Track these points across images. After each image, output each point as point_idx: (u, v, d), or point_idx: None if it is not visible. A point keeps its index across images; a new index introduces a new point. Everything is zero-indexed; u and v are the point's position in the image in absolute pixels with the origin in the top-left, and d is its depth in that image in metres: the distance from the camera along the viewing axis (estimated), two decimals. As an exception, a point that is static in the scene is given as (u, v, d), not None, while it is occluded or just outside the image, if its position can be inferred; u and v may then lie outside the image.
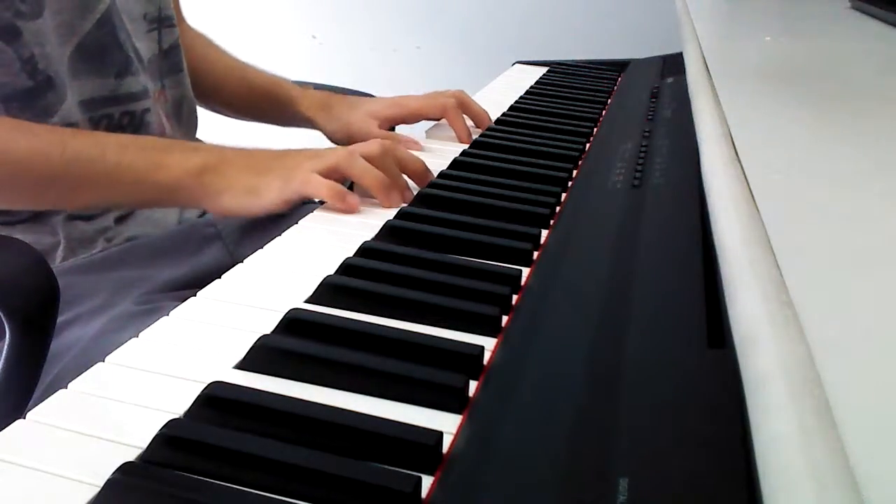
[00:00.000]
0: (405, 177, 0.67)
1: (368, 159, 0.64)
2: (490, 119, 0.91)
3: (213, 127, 0.98)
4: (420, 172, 0.69)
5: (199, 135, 0.91)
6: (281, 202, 0.63)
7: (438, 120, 0.91)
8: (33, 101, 0.68)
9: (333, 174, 0.64)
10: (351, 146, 0.66)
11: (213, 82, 0.95)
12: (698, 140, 0.58)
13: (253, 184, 0.63)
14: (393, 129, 0.99)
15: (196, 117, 0.90)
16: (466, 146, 0.81)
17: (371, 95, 1.04)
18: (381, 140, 0.67)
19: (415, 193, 0.66)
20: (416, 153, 0.71)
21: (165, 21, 0.82)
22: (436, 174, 0.70)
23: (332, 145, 0.89)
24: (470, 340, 0.42)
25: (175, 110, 0.85)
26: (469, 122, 0.90)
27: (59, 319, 0.54)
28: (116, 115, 0.75)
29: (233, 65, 0.98)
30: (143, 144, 0.67)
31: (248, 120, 1.00)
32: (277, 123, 1.00)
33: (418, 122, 0.91)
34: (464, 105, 0.89)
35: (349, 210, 0.62)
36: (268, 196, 0.63)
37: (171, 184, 0.64)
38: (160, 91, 0.82)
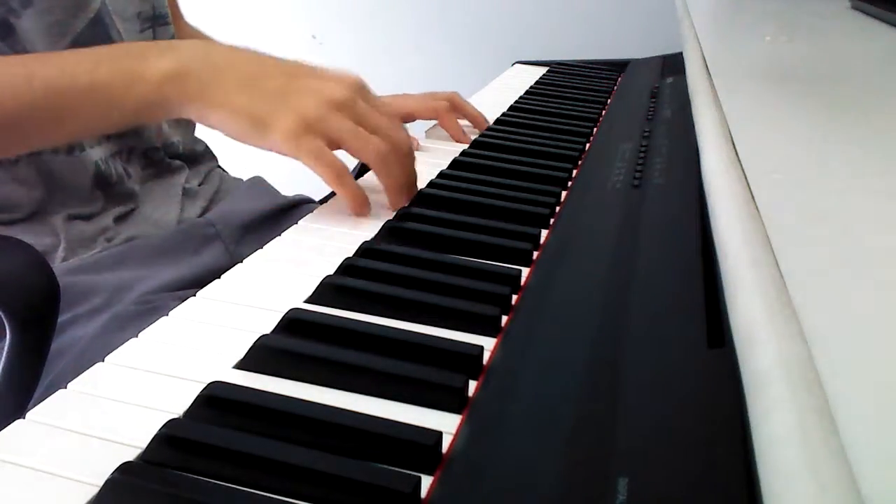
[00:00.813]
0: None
1: (398, 154, 0.60)
2: (486, 120, 0.90)
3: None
4: (410, 188, 0.63)
5: (197, 134, 0.91)
6: (288, 156, 0.56)
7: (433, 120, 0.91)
8: None
9: (358, 158, 0.59)
10: (387, 133, 0.59)
11: None
12: (698, 140, 0.58)
13: (260, 111, 0.56)
14: None
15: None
16: (466, 146, 0.81)
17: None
18: (408, 138, 0.63)
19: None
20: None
21: (160, 19, 0.82)
22: (436, 174, 0.70)
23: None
24: (470, 340, 0.42)
25: None
26: (465, 123, 0.89)
27: (60, 319, 0.54)
28: None
29: None
30: (115, 54, 0.60)
31: None
32: None
33: (410, 122, 0.89)
34: (457, 107, 0.88)
35: (361, 216, 0.60)
36: (284, 145, 0.56)
37: (149, 95, 0.57)
38: None
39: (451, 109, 0.87)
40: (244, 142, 0.59)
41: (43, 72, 0.59)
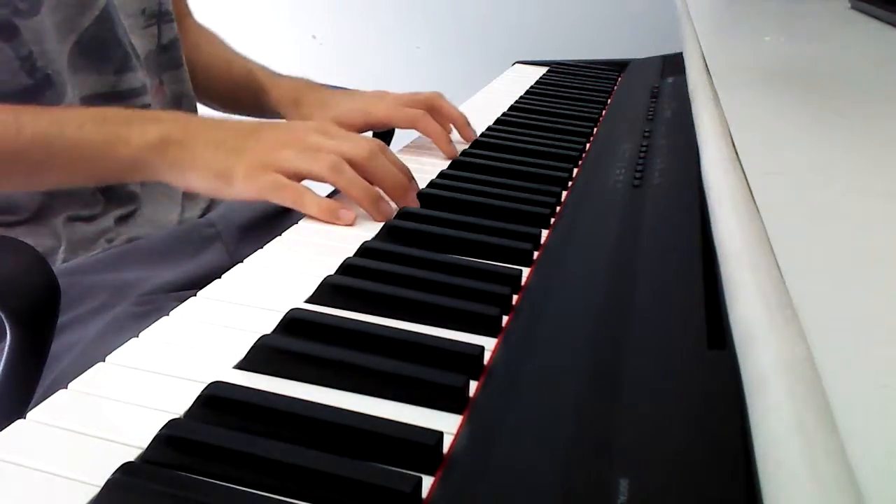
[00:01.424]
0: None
1: (355, 164, 0.60)
2: (468, 123, 0.84)
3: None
4: (400, 189, 0.62)
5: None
6: (253, 197, 0.59)
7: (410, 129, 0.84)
8: (32, 99, 0.68)
9: (314, 179, 0.60)
10: (335, 148, 0.61)
11: (202, 74, 0.93)
12: (698, 140, 0.58)
13: (223, 166, 0.59)
14: (390, 133, 0.96)
15: (196, 112, 0.90)
16: (445, 165, 0.76)
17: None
18: (370, 141, 0.63)
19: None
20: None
21: (165, 16, 0.82)
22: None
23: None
24: (470, 340, 0.42)
25: (174, 106, 0.85)
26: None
27: (60, 320, 0.54)
28: None
29: (221, 55, 0.95)
30: (102, 117, 0.64)
31: (235, 114, 0.96)
32: (257, 117, 0.95)
33: (387, 129, 0.85)
34: (436, 110, 0.81)
35: (346, 224, 0.59)
36: (247, 190, 0.59)
37: (132, 158, 0.61)
38: (158, 86, 0.82)
39: (426, 115, 0.80)
40: (218, 197, 0.62)
41: (33, 123, 0.62)
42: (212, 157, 0.60)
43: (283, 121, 0.65)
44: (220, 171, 0.60)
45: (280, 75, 0.92)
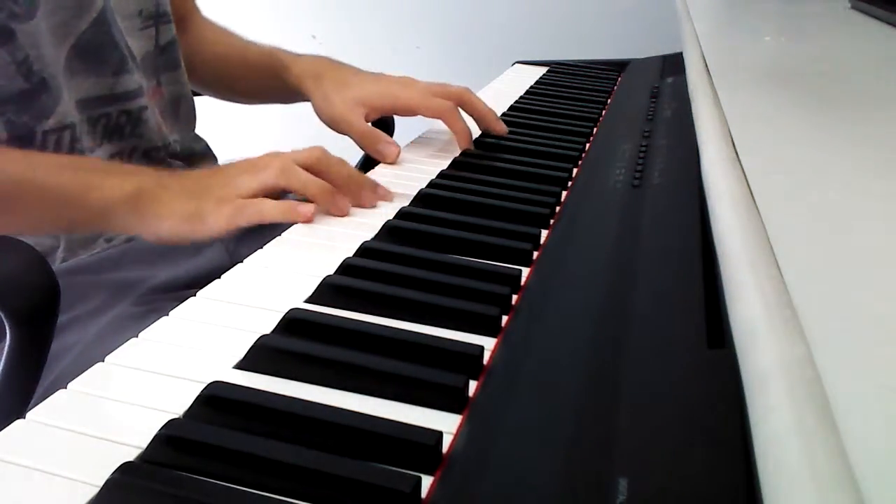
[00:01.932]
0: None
1: (306, 167, 0.61)
2: (497, 118, 0.83)
3: (212, 123, 0.98)
4: (354, 183, 0.63)
5: (197, 132, 0.91)
6: (228, 230, 0.60)
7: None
8: (29, 103, 0.68)
9: (273, 191, 0.61)
10: (283, 154, 0.62)
11: (223, 68, 0.93)
12: (698, 140, 0.58)
13: (193, 209, 0.60)
14: (391, 119, 0.96)
15: (194, 114, 0.90)
16: (445, 166, 0.75)
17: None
18: (313, 147, 0.63)
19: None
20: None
21: (163, 17, 0.82)
22: (414, 191, 0.66)
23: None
24: (470, 340, 0.42)
25: (172, 107, 0.84)
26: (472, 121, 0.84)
27: (60, 320, 0.54)
28: (114, 114, 0.75)
29: (235, 43, 0.94)
30: (78, 166, 0.64)
31: (256, 102, 0.95)
32: (278, 100, 0.94)
33: (412, 116, 0.82)
34: (466, 104, 0.81)
35: (305, 220, 0.60)
36: (217, 224, 0.59)
37: (103, 207, 0.60)
38: (155, 88, 0.82)
39: (456, 109, 0.79)
40: (193, 240, 0.61)
41: (7, 164, 0.62)
42: (180, 205, 0.60)
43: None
44: (190, 214, 0.60)
45: (298, 55, 0.91)
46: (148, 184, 0.61)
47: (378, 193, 0.65)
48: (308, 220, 0.60)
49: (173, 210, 0.60)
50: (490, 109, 0.83)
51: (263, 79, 0.91)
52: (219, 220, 0.59)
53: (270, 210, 0.59)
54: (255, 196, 0.60)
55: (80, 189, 0.61)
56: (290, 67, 0.88)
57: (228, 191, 0.61)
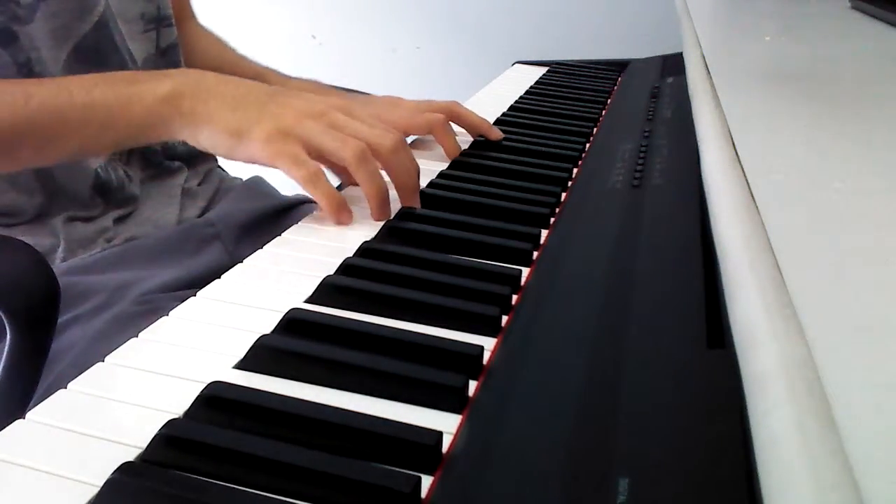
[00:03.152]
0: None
1: (378, 154, 0.59)
2: (491, 127, 0.83)
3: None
4: (411, 188, 0.62)
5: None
6: (266, 163, 0.57)
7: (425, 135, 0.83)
8: None
9: (335, 161, 0.59)
10: (363, 133, 0.59)
11: None
12: (698, 140, 0.58)
13: (240, 124, 0.57)
14: None
15: None
16: (445, 166, 0.75)
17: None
18: (395, 132, 0.61)
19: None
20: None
21: (164, 20, 0.82)
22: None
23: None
24: (470, 340, 0.42)
25: None
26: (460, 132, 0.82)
27: (60, 319, 0.54)
28: None
29: (228, 58, 0.94)
30: (112, 79, 0.62)
31: None
32: None
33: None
34: (457, 118, 0.80)
35: (340, 223, 0.58)
36: (261, 152, 0.57)
37: (144, 116, 0.59)
38: None
39: (446, 122, 0.78)
40: (230, 156, 0.60)
41: (40, 92, 0.60)
42: (228, 114, 0.58)
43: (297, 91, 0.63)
44: (237, 129, 0.58)
45: (290, 77, 0.91)
46: (188, 84, 0.60)
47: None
48: (343, 225, 0.58)
49: (219, 117, 0.58)
50: (482, 120, 0.82)
51: None
52: (266, 151, 0.57)
53: (321, 190, 0.57)
54: (307, 148, 0.58)
55: (118, 102, 0.60)
56: None
57: (291, 128, 0.58)
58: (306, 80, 0.91)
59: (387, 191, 0.60)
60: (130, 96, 0.60)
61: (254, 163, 0.59)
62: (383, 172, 0.61)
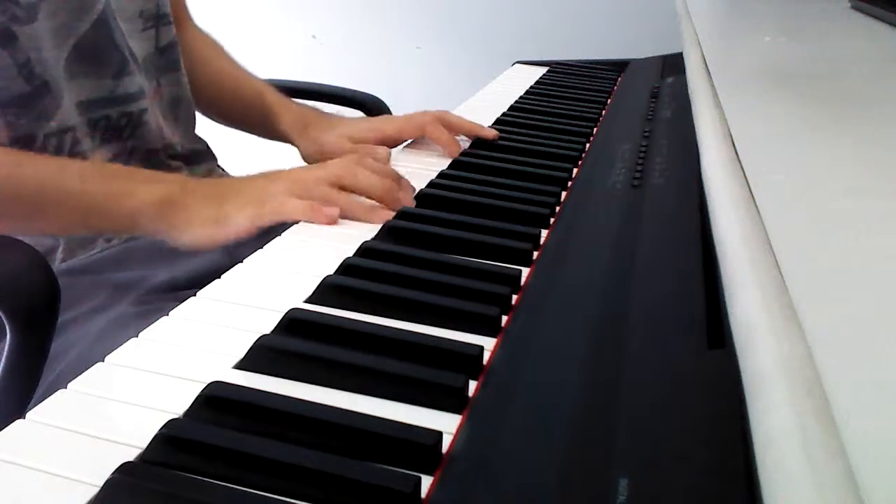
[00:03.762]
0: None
1: (343, 186, 0.62)
2: (481, 127, 0.84)
3: (212, 124, 0.98)
4: (388, 193, 0.64)
5: (197, 132, 0.90)
6: (252, 228, 0.60)
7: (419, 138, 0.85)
8: (30, 105, 0.68)
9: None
10: (321, 174, 0.63)
11: (210, 90, 0.93)
12: (698, 140, 0.58)
13: (218, 213, 0.61)
14: None
15: (194, 115, 0.90)
16: (445, 165, 0.76)
17: (371, 96, 1.03)
18: (351, 156, 0.65)
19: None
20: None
21: (163, 18, 0.82)
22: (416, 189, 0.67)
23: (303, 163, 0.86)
24: (470, 340, 0.42)
25: (171, 108, 0.84)
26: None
27: (60, 319, 0.54)
28: (115, 116, 0.75)
29: (230, 72, 0.95)
30: (105, 172, 0.66)
31: (239, 129, 0.97)
32: (263, 137, 0.96)
33: (398, 145, 0.85)
34: (448, 126, 0.82)
35: (330, 222, 0.60)
36: (240, 224, 0.60)
37: (131, 214, 0.62)
38: (156, 89, 0.82)
39: (436, 121, 0.81)
40: (219, 242, 0.62)
41: (34, 168, 0.63)
42: (208, 210, 0.62)
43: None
44: (217, 217, 0.61)
45: (289, 100, 0.93)
46: (175, 191, 0.63)
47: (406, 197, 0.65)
48: (332, 223, 0.60)
49: (199, 215, 0.61)
50: (473, 124, 0.84)
51: (251, 117, 0.94)
52: (242, 220, 0.60)
53: (293, 208, 0.60)
54: (271, 198, 0.61)
55: (107, 196, 0.62)
56: (280, 115, 0.91)
57: (260, 196, 0.62)
58: (303, 107, 0.93)
59: (368, 203, 0.62)
60: (119, 193, 0.62)
61: (238, 237, 0.61)
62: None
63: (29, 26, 0.67)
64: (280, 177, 0.64)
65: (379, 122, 0.86)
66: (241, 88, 0.94)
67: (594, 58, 1.33)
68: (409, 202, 0.64)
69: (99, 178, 0.64)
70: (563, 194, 0.68)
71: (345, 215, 0.61)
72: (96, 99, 0.73)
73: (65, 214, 0.63)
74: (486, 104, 0.96)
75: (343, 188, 0.63)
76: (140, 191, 0.62)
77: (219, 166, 0.93)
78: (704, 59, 0.77)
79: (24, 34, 0.67)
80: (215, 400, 0.36)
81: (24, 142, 0.68)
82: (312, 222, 0.60)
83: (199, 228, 0.61)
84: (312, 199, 0.61)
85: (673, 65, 1.14)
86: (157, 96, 0.82)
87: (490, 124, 0.90)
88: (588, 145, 0.83)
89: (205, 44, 0.95)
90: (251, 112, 0.93)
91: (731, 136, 0.52)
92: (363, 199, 0.63)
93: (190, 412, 0.36)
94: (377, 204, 0.63)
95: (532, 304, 0.48)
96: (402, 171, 0.74)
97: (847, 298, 0.30)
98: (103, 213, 0.63)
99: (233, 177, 0.67)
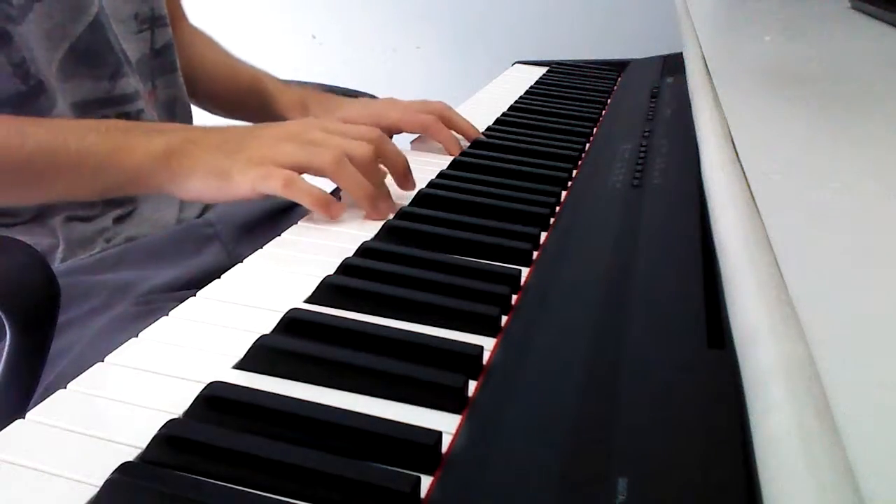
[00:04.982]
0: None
1: (357, 163, 0.60)
2: (477, 131, 0.85)
3: (211, 124, 0.98)
4: (402, 171, 0.65)
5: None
6: (254, 195, 0.59)
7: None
8: (25, 105, 0.68)
9: (314, 174, 0.60)
10: (339, 143, 0.61)
11: (206, 82, 0.93)
12: (698, 140, 0.58)
13: (223, 166, 0.59)
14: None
15: (190, 116, 0.90)
16: (445, 166, 0.76)
17: (371, 96, 1.03)
18: (371, 139, 0.63)
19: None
20: None
21: (158, 20, 0.82)
22: (414, 191, 0.67)
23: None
24: (470, 340, 0.42)
25: (167, 110, 0.84)
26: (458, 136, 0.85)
27: (59, 319, 0.54)
28: (112, 117, 0.75)
29: (224, 62, 0.95)
30: (105, 127, 0.64)
31: (239, 119, 0.97)
32: (262, 122, 0.97)
33: (398, 134, 0.85)
34: (446, 120, 0.82)
35: (333, 219, 0.60)
36: (242, 185, 0.59)
37: (135, 167, 0.61)
38: (150, 91, 0.82)
39: (438, 121, 0.81)
40: (218, 198, 0.61)
41: (36, 132, 0.62)
42: (211, 160, 0.60)
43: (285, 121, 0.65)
44: (220, 171, 0.59)
45: (286, 82, 0.93)
46: (176, 140, 0.61)
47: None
48: (334, 219, 0.60)
49: (203, 165, 0.60)
50: (470, 124, 0.85)
51: (250, 103, 0.94)
52: (244, 181, 0.59)
53: (301, 191, 0.58)
54: (290, 169, 0.59)
55: (109, 151, 0.61)
56: (277, 97, 0.91)
57: (265, 154, 0.60)
58: (302, 88, 0.93)
59: (372, 190, 0.61)
60: (122, 148, 0.61)
61: (240, 197, 0.60)
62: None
63: (21, 26, 0.67)
64: (294, 132, 0.62)
65: (379, 108, 0.85)
66: (237, 76, 0.94)
67: (594, 58, 1.33)
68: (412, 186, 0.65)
69: (97, 134, 0.62)
70: (563, 194, 0.68)
71: (350, 192, 0.60)
72: (93, 100, 0.73)
73: (70, 176, 0.62)
74: (486, 104, 0.96)
75: (356, 163, 0.61)
76: (141, 144, 0.61)
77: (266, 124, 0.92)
78: (704, 59, 0.77)
79: (18, 35, 0.67)
80: (215, 400, 0.36)
81: None
82: (320, 214, 0.59)
83: (203, 179, 0.60)
84: (323, 168, 0.59)
85: (673, 65, 1.14)
86: (152, 98, 0.82)
87: (490, 124, 0.90)
88: (588, 145, 0.83)
89: (198, 39, 0.96)
90: (249, 99, 0.93)
91: (731, 136, 0.52)
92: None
93: (190, 412, 0.36)
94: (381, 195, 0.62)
95: (532, 304, 0.48)
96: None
97: (847, 298, 0.30)
98: (106, 170, 0.61)
99: (237, 127, 0.65)
